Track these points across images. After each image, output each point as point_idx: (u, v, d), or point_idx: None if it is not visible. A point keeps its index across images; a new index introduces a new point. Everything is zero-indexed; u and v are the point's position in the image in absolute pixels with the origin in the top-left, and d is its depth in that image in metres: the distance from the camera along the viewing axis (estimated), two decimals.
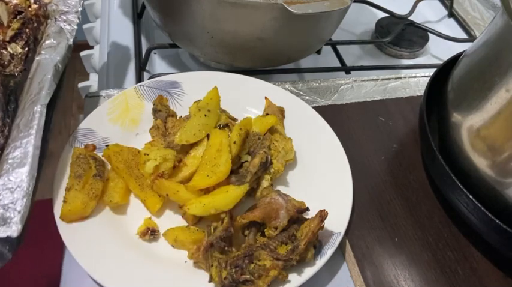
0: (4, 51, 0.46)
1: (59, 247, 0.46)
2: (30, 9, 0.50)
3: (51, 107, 0.45)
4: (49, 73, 0.45)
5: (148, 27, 0.76)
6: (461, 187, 0.47)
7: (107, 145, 0.51)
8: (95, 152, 0.51)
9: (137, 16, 0.75)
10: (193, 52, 0.68)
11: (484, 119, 0.45)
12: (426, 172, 0.57)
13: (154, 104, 0.57)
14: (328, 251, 0.46)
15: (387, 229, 0.51)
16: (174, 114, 0.57)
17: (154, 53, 0.71)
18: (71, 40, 0.50)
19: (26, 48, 0.48)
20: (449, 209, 0.53)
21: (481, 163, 0.46)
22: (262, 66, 0.66)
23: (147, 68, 0.67)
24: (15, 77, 0.46)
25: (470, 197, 0.46)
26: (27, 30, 0.48)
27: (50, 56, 0.47)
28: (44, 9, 0.51)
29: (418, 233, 0.51)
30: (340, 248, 0.50)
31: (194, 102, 0.54)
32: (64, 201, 0.46)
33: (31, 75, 0.45)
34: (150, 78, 0.62)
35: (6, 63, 0.46)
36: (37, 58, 0.47)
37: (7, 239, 0.35)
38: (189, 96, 0.59)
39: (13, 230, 0.35)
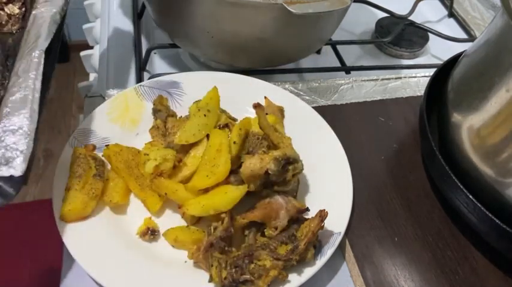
0: (1, 12, 0.48)
1: (59, 247, 0.46)
2: None
3: (50, 56, 0.45)
4: (45, 23, 0.45)
5: (148, 27, 0.76)
6: (461, 187, 0.47)
7: (107, 145, 0.51)
8: (94, 152, 0.51)
9: (137, 16, 0.74)
10: (193, 52, 0.68)
11: (484, 119, 0.45)
12: (426, 172, 0.57)
13: (154, 104, 0.57)
14: (328, 251, 0.46)
15: (387, 229, 0.51)
16: (174, 114, 0.57)
17: (154, 53, 0.71)
18: None
19: (23, 9, 0.49)
20: (449, 209, 0.53)
21: (481, 162, 0.46)
22: (262, 66, 0.66)
23: (147, 68, 0.67)
24: (13, 35, 0.47)
25: (470, 197, 0.46)
26: None
27: (45, 9, 0.47)
28: None
29: (418, 233, 0.51)
30: (340, 248, 0.50)
31: (194, 102, 0.54)
32: (64, 201, 0.46)
33: (28, 28, 0.46)
34: (150, 78, 0.62)
35: (4, 22, 0.47)
36: (33, 12, 0.47)
37: (11, 178, 0.35)
38: (189, 96, 0.59)
39: (16, 169, 0.36)
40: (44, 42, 0.43)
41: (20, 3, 0.49)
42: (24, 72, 0.41)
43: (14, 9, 0.48)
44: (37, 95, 0.40)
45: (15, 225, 1.47)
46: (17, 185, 0.36)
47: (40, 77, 0.41)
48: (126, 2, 0.79)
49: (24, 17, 0.48)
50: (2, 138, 0.37)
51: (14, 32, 0.47)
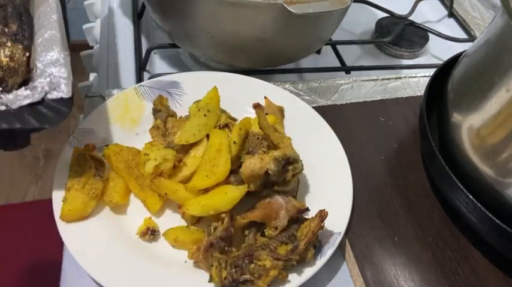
0: None
1: (59, 247, 0.47)
2: None
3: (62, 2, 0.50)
4: None
5: (148, 27, 0.76)
6: (461, 187, 0.47)
7: (106, 145, 0.51)
8: (94, 152, 0.51)
9: (137, 16, 0.74)
10: (193, 52, 0.68)
11: (484, 119, 0.45)
12: (426, 172, 0.57)
13: (154, 104, 0.57)
14: (328, 251, 0.46)
15: (387, 229, 0.51)
16: (174, 114, 0.57)
17: (154, 53, 0.71)
18: None
19: None
20: (449, 209, 0.53)
21: (481, 162, 0.46)
22: (262, 66, 0.66)
23: (147, 68, 0.67)
24: None
25: (470, 197, 0.46)
26: None
27: None
28: None
29: (418, 233, 0.51)
30: (340, 248, 0.50)
31: (194, 102, 0.54)
32: (64, 201, 0.46)
33: None
34: (150, 78, 0.62)
35: None
36: None
37: (61, 100, 0.41)
38: (189, 96, 0.59)
39: (64, 92, 0.42)
40: None
41: None
42: (46, 16, 0.47)
43: None
44: (63, 32, 0.46)
45: (15, 225, 1.47)
46: (69, 104, 0.42)
47: (61, 18, 0.47)
48: (126, 2, 0.79)
49: None
50: (45, 70, 0.43)
51: None
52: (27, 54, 0.44)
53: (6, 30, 0.45)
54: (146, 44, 0.72)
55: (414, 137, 0.61)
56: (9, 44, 0.44)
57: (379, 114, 0.63)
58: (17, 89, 0.42)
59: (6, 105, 0.40)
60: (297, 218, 0.47)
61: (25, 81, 0.43)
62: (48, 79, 0.42)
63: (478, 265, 0.49)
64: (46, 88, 0.42)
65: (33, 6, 0.49)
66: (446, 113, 0.52)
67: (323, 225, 0.45)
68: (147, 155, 0.48)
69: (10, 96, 0.41)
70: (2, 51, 0.43)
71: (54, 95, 0.42)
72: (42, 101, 0.41)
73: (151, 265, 0.45)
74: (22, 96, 0.41)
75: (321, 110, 0.60)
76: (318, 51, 0.75)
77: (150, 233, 0.47)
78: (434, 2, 0.94)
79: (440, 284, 0.47)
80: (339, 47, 0.74)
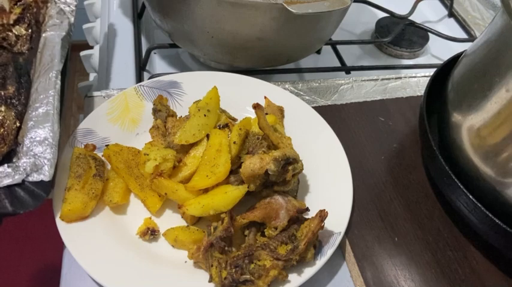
0: (10, 33, 0.52)
1: (59, 247, 0.46)
2: None
3: (63, 74, 0.50)
4: (57, 45, 0.51)
5: (148, 27, 0.76)
6: (461, 187, 0.47)
7: (106, 145, 0.51)
8: (94, 152, 0.51)
9: (137, 16, 0.75)
10: (193, 52, 0.68)
11: (484, 119, 0.45)
12: (426, 172, 0.57)
13: (154, 104, 0.57)
14: (328, 251, 0.46)
15: (387, 229, 0.51)
16: (174, 114, 0.57)
17: (154, 53, 0.71)
18: (72, 19, 0.56)
19: (30, 30, 0.53)
20: (449, 209, 0.53)
21: (481, 162, 0.46)
22: (262, 66, 0.66)
23: (147, 68, 0.67)
24: (23, 55, 0.52)
25: (470, 197, 0.46)
26: (28, 14, 0.54)
27: (55, 32, 0.53)
28: None
29: (418, 233, 0.51)
30: (340, 248, 0.50)
31: (194, 103, 0.54)
32: (64, 201, 0.46)
33: (40, 49, 0.52)
34: (150, 78, 0.62)
35: (13, 43, 0.52)
36: (43, 35, 0.53)
37: (41, 183, 0.41)
38: (189, 96, 0.59)
39: (45, 175, 0.41)
40: (58, 64, 0.50)
41: (26, 25, 0.53)
42: (45, 90, 0.47)
43: (21, 30, 0.52)
44: (57, 110, 0.46)
45: (15, 225, 1.47)
46: (47, 188, 0.42)
47: (58, 94, 0.47)
48: (126, 2, 0.79)
49: (32, 38, 0.53)
50: (31, 148, 0.42)
51: (24, 52, 0.52)
52: (18, 124, 0.44)
53: (3, 93, 0.45)
54: (146, 44, 0.72)
55: (414, 137, 0.61)
56: (2, 108, 0.44)
57: (379, 114, 0.63)
58: (0, 162, 0.42)
59: None
60: (297, 218, 0.47)
61: (9, 154, 0.43)
62: (32, 160, 0.42)
63: (478, 265, 0.49)
64: (28, 169, 0.41)
65: (35, 70, 0.50)
66: (446, 113, 0.52)
67: (323, 225, 0.45)
68: (147, 155, 0.48)
69: None
70: None
71: (34, 177, 0.41)
72: (21, 183, 0.41)
73: (151, 265, 0.45)
74: (3, 174, 0.40)
75: (321, 110, 0.60)
76: (318, 51, 0.75)
77: (150, 233, 0.47)
78: (434, 2, 0.94)
79: (440, 284, 0.47)
80: (339, 47, 0.74)
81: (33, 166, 0.41)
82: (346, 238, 0.49)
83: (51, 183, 0.42)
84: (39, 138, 0.43)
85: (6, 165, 0.41)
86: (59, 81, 0.48)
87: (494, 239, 0.47)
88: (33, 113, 0.45)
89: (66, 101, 0.48)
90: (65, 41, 0.52)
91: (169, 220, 0.49)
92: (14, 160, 0.43)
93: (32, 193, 0.40)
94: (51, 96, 0.46)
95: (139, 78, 0.65)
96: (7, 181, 0.40)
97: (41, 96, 0.46)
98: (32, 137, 0.43)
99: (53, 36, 0.52)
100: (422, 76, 0.71)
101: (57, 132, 0.44)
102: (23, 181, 0.41)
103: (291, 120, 0.59)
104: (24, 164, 0.41)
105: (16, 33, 0.52)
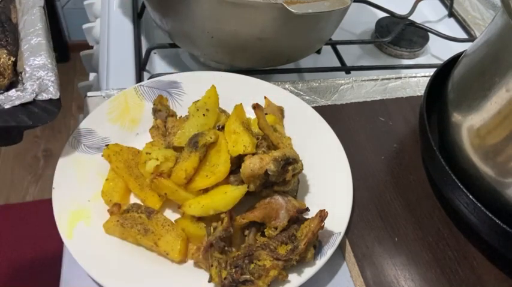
0: None
1: (59, 247, 0.46)
2: None
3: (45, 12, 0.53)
4: None
5: (148, 27, 0.76)
6: (461, 187, 0.46)
7: (106, 145, 0.51)
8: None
9: (137, 16, 0.74)
10: (193, 52, 0.68)
11: (484, 119, 0.45)
12: (426, 172, 0.57)
13: (154, 104, 0.57)
14: (328, 251, 0.46)
15: (387, 229, 0.51)
16: (174, 114, 0.57)
17: (154, 53, 0.71)
18: None
19: None
20: (449, 209, 0.53)
21: (481, 162, 0.46)
22: (262, 66, 0.66)
23: (147, 68, 0.67)
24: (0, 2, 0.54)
25: (470, 197, 0.46)
26: None
27: None
28: None
29: (418, 233, 0.51)
30: (340, 248, 0.50)
31: (193, 103, 0.54)
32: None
33: None
34: (150, 78, 0.62)
35: None
36: None
37: (50, 101, 0.45)
38: (188, 96, 0.59)
39: (53, 94, 0.45)
40: (40, 0, 0.52)
41: None
42: (32, 25, 0.49)
43: None
44: (49, 39, 0.49)
45: (15, 225, 1.47)
46: (58, 105, 0.45)
47: (46, 27, 0.50)
48: (126, 2, 0.79)
49: None
50: (33, 73, 0.45)
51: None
52: (13, 58, 0.47)
53: None
54: (146, 44, 0.72)
55: (414, 137, 0.61)
56: None
57: (379, 114, 0.63)
58: (6, 91, 0.45)
59: None
60: (297, 218, 0.47)
61: (12, 85, 0.46)
62: (37, 82, 0.45)
63: (478, 265, 0.49)
64: (36, 90, 0.44)
65: (16, 14, 0.52)
66: (446, 113, 0.52)
67: (323, 225, 0.45)
68: (149, 154, 0.48)
69: (1, 97, 0.44)
70: None
71: (43, 96, 0.44)
72: (33, 102, 0.44)
73: (151, 264, 0.45)
74: (13, 97, 0.44)
75: (321, 110, 0.60)
76: (318, 51, 0.75)
77: None
78: (434, 2, 0.94)
79: (440, 284, 0.47)
80: (339, 47, 0.74)
81: (40, 87, 0.44)
82: (346, 238, 0.49)
83: (59, 101, 0.45)
84: (39, 64, 0.46)
85: (14, 90, 0.45)
86: (44, 16, 0.50)
87: (494, 239, 0.47)
88: (27, 46, 0.47)
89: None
90: None
91: None
92: (19, 86, 0.45)
93: (45, 109, 0.44)
94: (40, 29, 0.49)
95: (139, 78, 0.65)
96: (19, 101, 0.43)
97: (31, 30, 0.49)
98: (31, 64, 0.46)
99: None
100: (422, 76, 0.71)
101: (54, 59, 0.47)
102: (34, 99, 0.44)
103: (291, 120, 0.59)
104: (32, 86, 0.44)
105: None
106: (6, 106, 0.43)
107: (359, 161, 0.56)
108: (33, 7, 0.51)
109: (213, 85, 0.54)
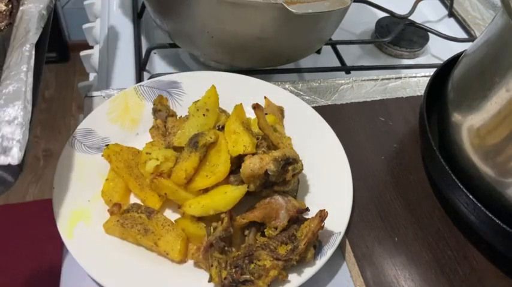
0: None
1: (59, 247, 0.46)
2: None
3: (39, 50, 0.46)
4: (34, 18, 0.47)
5: (148, 27, 0.76)
6: (461, 187, 0.46)
7: (106, 145, 0.51)
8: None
9: (137, 16, 0.75)
10: (193, 52, 0.68)
11: (484, 119, 0.45)
12: (426, 172, 0.57)
13: (154, 104, 0.57)
14: (328, 251, 0.46)
15: (387, 229, 0.51)
16: (174, 114, 0.57)
17: (154, 53, 0.71)
18: None
19: (10, 5, 0.50)
20: (449, 209, 0.53)
21: (481, 162, 0.46)
22: (262, 66, 0.66)
23: (147, 68, 0.67)
24: (1, 31, 0.49)
25: (470, 197, 0.46)
26: None
27: (33, 4, 0.48)
28: None
29: (418, 233, 0.51)
30: (340, 248, 0.50)
31: (193, 103, 0.54)
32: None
33: (16, 23, 0.47)
34: (150, 78, 0.62)
35: None
36: (21, 8, 0.48)
37: (8, 167, 0.37)
38: (188, 96, 0.59)
39: (14, 158, 0.37)
40: (33, 37, 0.45)
41: (7, 0, 0.50)
42: (16, 66, 0.43)
43: (0, 6, 0.49)
44: (30, 87, 0.42)
45: (15, 225, 1.47)
46: (16, 173, 0.38)
47: (32, 70, 0.43)
48: (126, 2, 0.79)
49: (12, 13, 0.49)
50: None
51: (2, 28, 0.49)
52: None
53: None
54: (146, 44, 0.72)
55: (414, 137, 0.61)
56: None
57: (379, 114, 0.63)
58: None
59: None
60: (297, 218, 0.47)
61: None
62: None
63: (478, 265, 0.49)
64: None
65: (12, 45, 0.46)
66: (446, 113, 0.52)
67: (323, 225, 0.45)
68: (149, 154, 0.48)
69: None
70: None
71: (1, 160, 0.37)
72: None
73: (151, 265, 0.45)
74: None
75: (321, 110, 0.60)
76: (318, 51, 0.75)
77: None
78: (434, 2, 0.94)
79: (440, 284, 0.47)
80: (339, 47, 0.74)
81: (0, 148, 0.37)
82: (346, 238, 0.49)
83: (20, 167, 0.38)
84: (9, 118, 0.39)
85: None
86: (33, 55, 0.44)
87: (494, 239, 0.47)
88: (4, 91, 0.41)
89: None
90: (43, 12, 0.48)
91: None
92: None
93: None
94: (22, 72, 0.42)
95: (139, 78, 0.65)
96: None
97: (12, 73, 0.42)
98: (0, 117, 0.39)
99: (30, 9, 0.48)
100: (422, 76, 0.71)
101: (29, 112, 0.40)
102: None
103: (291, 120, 0.59)
104: None
105: None
106: None
107: (359, 161, 0.56)
108: (25, 43, 0.44)
109: (213, 85, 0.54)
